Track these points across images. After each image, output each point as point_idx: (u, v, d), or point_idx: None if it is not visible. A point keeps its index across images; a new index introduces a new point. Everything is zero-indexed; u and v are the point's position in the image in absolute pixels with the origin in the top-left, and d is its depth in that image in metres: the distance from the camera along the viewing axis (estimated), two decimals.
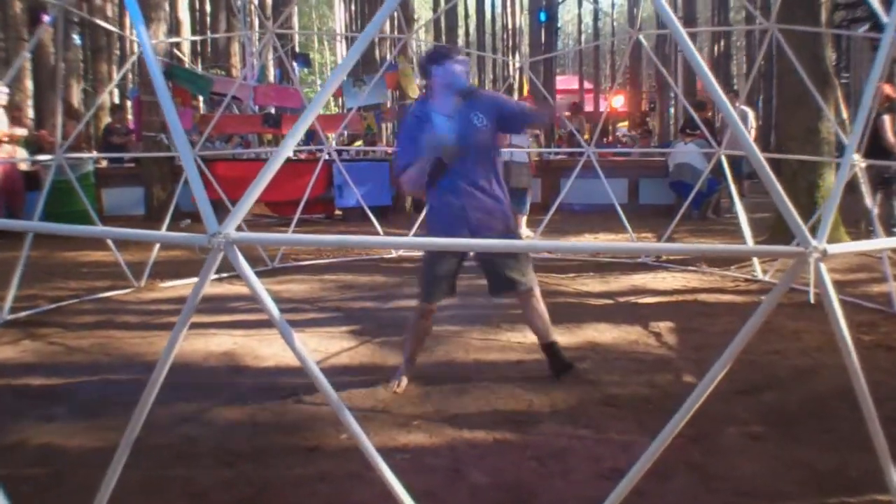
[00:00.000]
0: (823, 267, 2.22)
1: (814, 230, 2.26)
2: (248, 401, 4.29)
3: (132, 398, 2.51)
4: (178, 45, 18.52)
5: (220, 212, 2.38)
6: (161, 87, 2.40)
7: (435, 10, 33.28)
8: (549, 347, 4.66)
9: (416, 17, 23.22)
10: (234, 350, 5.30)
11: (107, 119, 16.12)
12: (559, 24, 27.79)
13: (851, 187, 7.55)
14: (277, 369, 4.84)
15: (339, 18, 48.22)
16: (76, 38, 24.99)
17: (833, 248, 2.19)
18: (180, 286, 7.55)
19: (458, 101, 4.20)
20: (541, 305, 4.57)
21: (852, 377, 2.37)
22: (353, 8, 41.23)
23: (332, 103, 23.26)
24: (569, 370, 4.61)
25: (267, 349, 5.22)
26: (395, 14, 11.64)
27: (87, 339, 5.70)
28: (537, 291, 4.55)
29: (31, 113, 17.46)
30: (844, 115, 8.92)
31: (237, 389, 4.51)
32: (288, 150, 2.37)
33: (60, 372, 4.90)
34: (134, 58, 10.15)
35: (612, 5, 41.68)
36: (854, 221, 9.45)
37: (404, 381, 4.48)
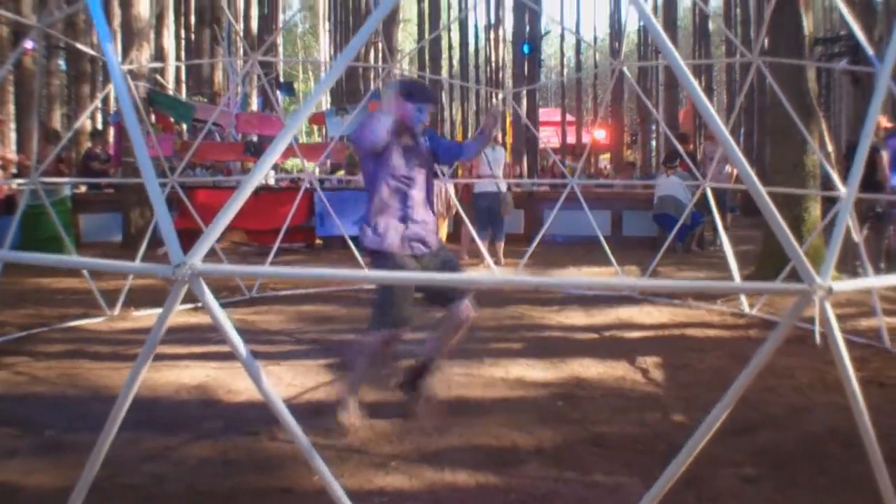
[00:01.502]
0: (829, 305, 2.11)
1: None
2: (220, 437, 4.10)
3: (97, 433, 2.36)
4: (161, 71, 18.44)
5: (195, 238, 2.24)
6: (129, 111, 2.26)
7: (419, 41, 33.39)
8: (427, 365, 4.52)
9: (399, 47, 23.23)
10: (206, 383, 5.11)
11: (87, 144, 15.90)
12: (542, 57, 27.89)
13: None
14: (251, 404, 4.64)
15: (323, 48, 48.37)
16: (61, 63, 24.84)
17: (839, 286, 2.08)
18: (155, 314, 7.33)
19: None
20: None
21: (858, 422, 2.27)
22: (337, 38, 41.36)
23: (316, 132, 23.19)
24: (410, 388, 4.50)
25: (241, 382, 5.03)
26: (380, 44, 11.57)
27: (54, 370, 5.49)
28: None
29: (13, 136, 17.27)
30: (829, 147, 8.88)
31: (208, 425, 4.32)
32: (260, 176, 2.24)
33: (25, 404, 4.71)
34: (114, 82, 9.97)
35: (595, 39, 42.01)
36: (842, 256, 9.38)
37: (356, 415, 4.27)
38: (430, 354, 4.51)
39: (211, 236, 2.07)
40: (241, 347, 2.16)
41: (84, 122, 19.67)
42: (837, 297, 2.18)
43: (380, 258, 4.23)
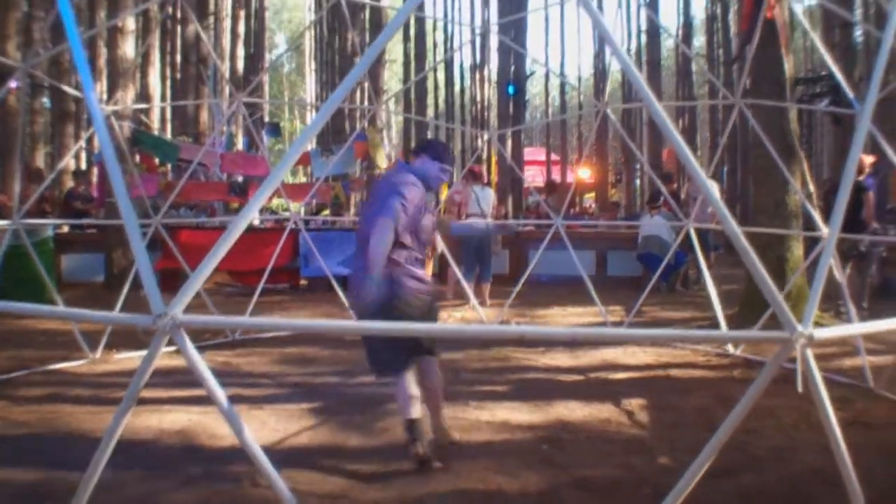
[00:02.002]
0: (810, 353, 2.12)
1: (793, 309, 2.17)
2: (202, 484, 4.05)
3: (76, 479, 2.32)
4: (147, 111, 18.45)
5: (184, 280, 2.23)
6: (110, 158, 2.26)
7: (405, 81, 33.62)
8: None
9: (385, 87, 23.42)
10: (189, 428, 5.06)
11: (70, 183, 15.85)
12: (527, 97, 28.12)
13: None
14: (234, 449, 4.57)
15: (309, 88, 48.63)
16: (45, 102, 24.81)
17: (820, 334, 2.09)
18: (137, 357, 7.27)
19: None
20: None
21: (840, 464, 2.27)
22: (323, 77, 41.60)
23: (301, 172, 23.24)
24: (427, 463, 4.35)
25: (223, 427, 4.95)
26: (365, 85, 11.65)
27: (34, 414, 5.42)
28: None
29: None
30: (811, 187, 8.96)
31: (190, 471, 4.27)
32: (247, 220, 2.23)
33: (2, 450, 4.63)
34: (99, 122, 9.96)
35: (579, 79, 42.41)
36: (825, 294, 9.42)
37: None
38: (434, 410, 4.65)
39: (194, 285, 2.06)
40: (222, 398, 2.14)
41: (67, 161, 19.66)
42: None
43: (387, 308, 4.21)
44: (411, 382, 4.34)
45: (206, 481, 4.10)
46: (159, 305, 1.97)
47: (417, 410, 4.33)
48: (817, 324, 2.24)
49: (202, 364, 2.09)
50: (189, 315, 2.10)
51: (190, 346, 2.04)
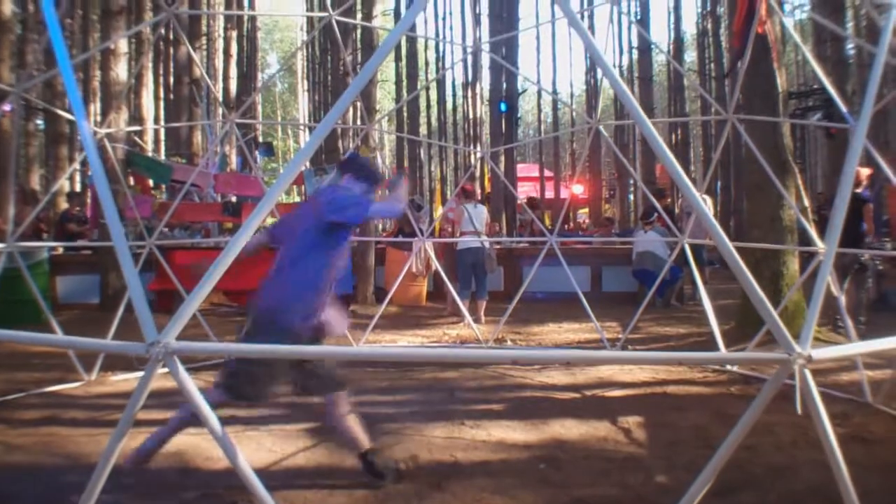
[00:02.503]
0: (809, 373, 2.11)
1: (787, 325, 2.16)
2: None
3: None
4: (140, 133, 18.43)
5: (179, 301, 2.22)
6: (101, 183, 2.26)
7: (397, 100, 33.67)
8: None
9: (378, 107, 23.41)
10: (185, 449, 5.01)
11: (64, 205, 15.83)
12: (519, 114, 28.18)
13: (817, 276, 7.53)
14: (229, 471, 4.53)
15: (302, 108, 48.71)
16: (40, 124, 24.82)
17: (818, 354, 2.08)
18: (133, 379, 7.23)
19: None
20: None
21: (839, 481, 2.26)
22: (316, 98, 41.66)
23: (296, 192, 23.21)
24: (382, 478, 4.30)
25: (219, 449, 4.95)
26: (358, 104, 11.66)
27: (30, 437, 5.38)
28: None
29: None
30: (806, 202, 8.97)
31: (186, 495, 4.24)
32: (242, 242, 2.22)
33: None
34: (91, 144, 9.96)
35: (571, 96, 42.55)
36: (822, 308, 9.40)
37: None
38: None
39: (186, 313, 2.05)
40: (216, 424, 2.13)
41: (62, 183, 19.63)
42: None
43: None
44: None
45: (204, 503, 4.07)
46: (152, 333, 1.96)
47: (365, 440, 4.28)
48: (817, 339, 2.24)
49: (196, 391, 2.07)
50: (182, 342, 2.09)
51: (184, 374, 2.02)
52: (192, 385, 2.08)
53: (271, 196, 2.31)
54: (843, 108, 6.09)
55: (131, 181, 13.06)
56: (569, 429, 5.49)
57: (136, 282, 2.10)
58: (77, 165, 10.46)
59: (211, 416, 2.10)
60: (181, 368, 2.00)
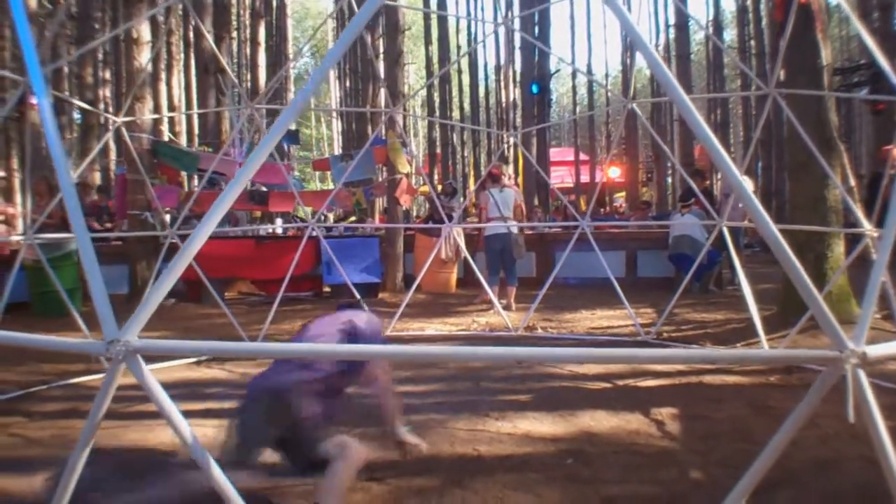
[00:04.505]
0: (863, 374, 1.85)
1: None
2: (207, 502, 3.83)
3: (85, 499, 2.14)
4: (171, 123, 18.39)
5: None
6: (55, 143, 2.07)
7: (429, 85, 33.46)
8: None
9: (408, 91, 23.21)
10: (203, 443, 4.84)
11: (94, 197, 15.84)
12: (552, 96, 27.84)
13: (863, 259, 7.19)
14: None
15: (334, 95, 48.74)
16: (76, 117, 24.98)
17: (874, 351, 1.82)
18: (157, 370, 7.10)
19: None
20: None
21: (888, 478, 2.03)
22: (347, 84, 41.62)
23: (330, 179, 23.14)
24: None
25: None
26: (384, 90, 11.53)
27: (49, 430, 5.26)
28: None
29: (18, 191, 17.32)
30: (852, 181, 8.58)
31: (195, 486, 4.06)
32: (211, 227, 2.03)
33: (14, 468, 4.42)
34: (109, 134, 9.89)
35: (606, 77, 42.11)
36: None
37: None
38: None
39: (147, 309, 1.86)
40: (188, 433, 1.95)
41: (91, 175, 19.68)
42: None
43: None
44: None
45: (211, 498, 3.89)
46: (112, 331, 1.78)
47: None
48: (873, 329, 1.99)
49: (160, 391, 1.89)
50: (144, 340, 1.91)
51: (147, 373, 1.84)
52: (156, 384, 1.90)
53: (239, 179, 2.13)
54: (894, 80, 5.71)
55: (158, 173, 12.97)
56: (599, 421, 5.25)
57: (97, 274, 1.92)
58: (92, 155, 10.25)
59: (179, 420, 1.92)
60: (144, 368, 1.82)
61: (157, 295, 1.88)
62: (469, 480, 4.10)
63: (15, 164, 17.60)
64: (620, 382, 6.46)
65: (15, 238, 9.23)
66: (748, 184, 13.31)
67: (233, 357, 7.81)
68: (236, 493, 2.09)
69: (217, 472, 2.08)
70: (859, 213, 6.78)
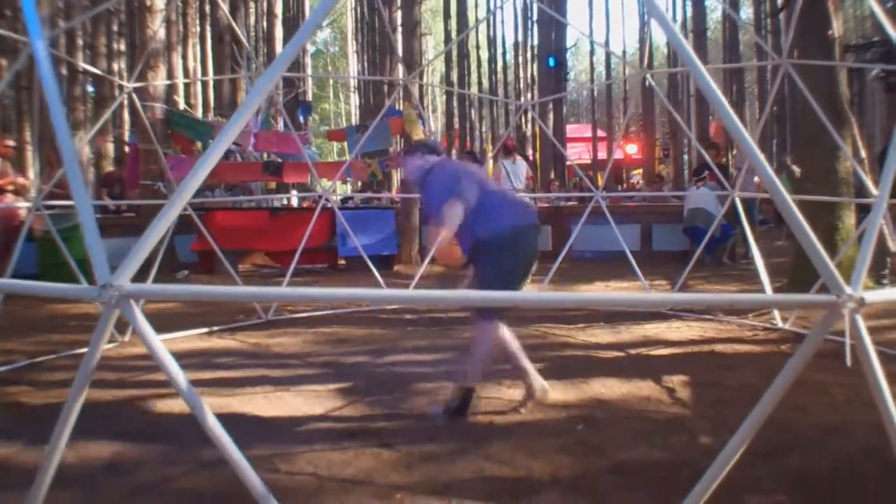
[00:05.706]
0: (860, 318, 1.83)
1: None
2: (217, 469, 3.85)
3: (89, 471, 2.14)
4: (187, 92, 18.34)
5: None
6: (51, 89, 2.05)
7: (447, 59, 33.30)
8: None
9: (425, 63, 23.03)
10: (213, 412, 4.86)
11: (109, 168, 15.88)
12: (568, 70, 27.64)
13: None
14: (254, 434, 4.38)
15: (352, 69, 48.60)
16: (91, 91, 25.01)
17: (871, 296, 1.80)
18: (167, 340, 7.13)
19: None
20: None
21: (893, 441, 2.01)
22: (365, 58, 41.47)
23: (346, 149, 23.12)
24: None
25: (246, 410, 4.81)
26: (401, 65, 11.43)
27: (55, 400, 5.23)
28: None
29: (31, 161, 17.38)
30: (863, 153, 8.50)
31: (207, 455, 4.07)
32: (186, 197, 2.02)
33: (19, 436, 4.45)
34: (119, 101, 9.85)
35: (624, 53, 41.77)
36: (874, 264, 8.99)
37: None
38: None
39: (139, 255, 1.85)
40: (181, 379, 1.94)
41: (105, 146, 19.69)
42: (869, 308, 1.93)
43: None
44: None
45: (222, 466, 3.90)
46: (105, 275, 1.77)
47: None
48: (865, 288, 1.96)
49: (156, 340, 1.89)
50: (136, 285, 1.90)
51: (141, 318, 1.83)
52: (151, 330, 1.89)
53: (215, 149, 2.12)
54: None
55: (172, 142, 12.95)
56: (610, 388, 5.24)
57: (91, 220, 1.91)
58: (98, 125, 10.15)
59: (176, 371, 1.90)
60: (138, 312, 1.81)
61: (149, 240, 1.86)
62: (480, 447, 4.10)
63: (28, 136, 17.65)
64: (633, 351, 6.46)
65: (22, 205, 9.21)
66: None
67: (225, 299, 7.88)
68: (229, 440, 2.08)
69: (211, 419, 2.07)
70: (869, 182, 6.72)
